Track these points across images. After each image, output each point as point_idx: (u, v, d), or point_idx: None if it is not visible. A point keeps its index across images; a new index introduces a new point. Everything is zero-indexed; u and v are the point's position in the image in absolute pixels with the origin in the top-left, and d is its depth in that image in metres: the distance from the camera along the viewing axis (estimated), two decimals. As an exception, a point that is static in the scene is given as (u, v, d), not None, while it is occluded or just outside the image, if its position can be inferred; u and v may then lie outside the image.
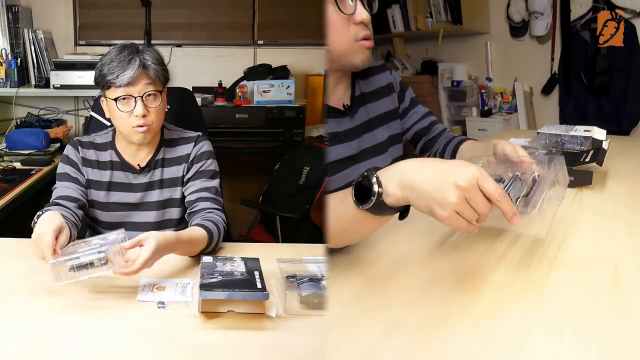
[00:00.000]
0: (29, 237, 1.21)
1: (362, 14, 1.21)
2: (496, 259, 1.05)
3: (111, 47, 1.40)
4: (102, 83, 1.37)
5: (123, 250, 1.09)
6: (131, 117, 1.36)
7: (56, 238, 1.11)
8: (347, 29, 1.22)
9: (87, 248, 1.08)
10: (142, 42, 3.12)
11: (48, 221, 1.14)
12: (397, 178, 0.84)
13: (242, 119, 2.95)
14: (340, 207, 0.93)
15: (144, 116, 1.36)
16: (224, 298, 1.03)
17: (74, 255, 1.06)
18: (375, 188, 0.85)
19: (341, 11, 1.19)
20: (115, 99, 1.36)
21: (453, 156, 1.49)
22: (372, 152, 1.39)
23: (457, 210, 0.80)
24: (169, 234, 1.17)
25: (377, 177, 0.86)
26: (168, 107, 1.47)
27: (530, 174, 0.99)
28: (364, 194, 0.87)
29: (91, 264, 1.06)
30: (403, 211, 0.89)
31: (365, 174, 0.87)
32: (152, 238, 1.11)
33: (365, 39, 1.25)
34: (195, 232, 1.28)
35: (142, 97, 1.36)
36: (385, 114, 1.45)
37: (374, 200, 0.85)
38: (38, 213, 1.25)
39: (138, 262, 1.07)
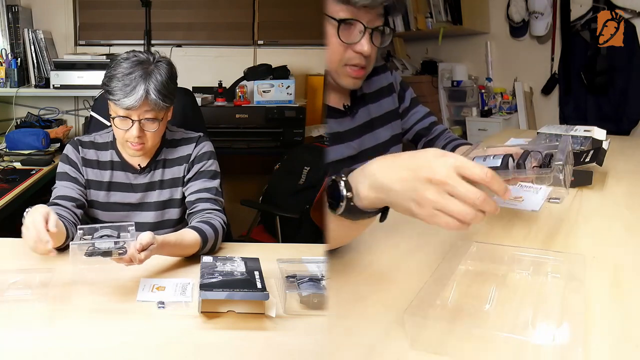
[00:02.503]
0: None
1: (364, 46, 1.21)
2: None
3: (124, 56, 1.37)
4: (106, 95, 1.37)
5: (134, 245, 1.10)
6: (127, 134, 1.37)
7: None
8: (342, 53, 1.22)
9: (101, 235, 1.09)
10: (142, 42, 3.12)
11: (35, 210, 1.13)
12: (368, 180, 0.78)
13: (242, 119, 2.95)
14: (326, 210, 0.88)
15: (139, 137, 1.37)
16: (224, 298, 1.03)
17: (94, 240, 1.07)
18: (344, 192, 0.79)
19: (341, 40, 1.19)
20: (114, 117, 1.37)
21: None
22: (372, 152, 1.39)
23: (438, 207, 0.73)
24: (158, 236, 1.19)
25: (345, 181, 0.80)
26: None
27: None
28: (335, 198, 0.81)
29: (109, 252, 1.06)
30: (383, 213, 0.84)
31: (334, 177, 0.80)
32: (155, 238, 1.13)
33: (356, 66, 1.24)
34: (185, 234, 1.28)
35: (139, 120, 1.36)
36: (386, 114, 1.45)
37: (344, 206, 0.80)
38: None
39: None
